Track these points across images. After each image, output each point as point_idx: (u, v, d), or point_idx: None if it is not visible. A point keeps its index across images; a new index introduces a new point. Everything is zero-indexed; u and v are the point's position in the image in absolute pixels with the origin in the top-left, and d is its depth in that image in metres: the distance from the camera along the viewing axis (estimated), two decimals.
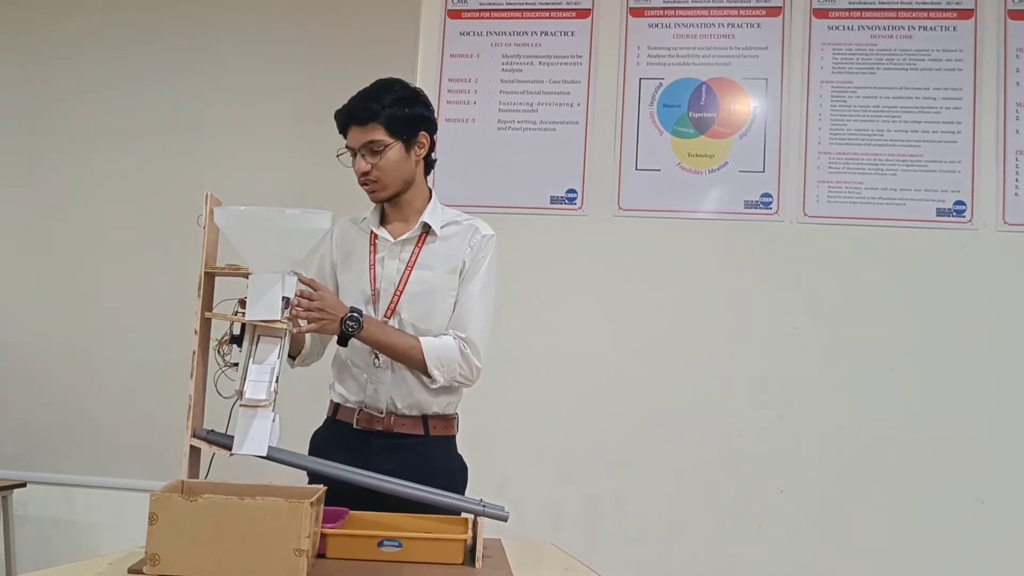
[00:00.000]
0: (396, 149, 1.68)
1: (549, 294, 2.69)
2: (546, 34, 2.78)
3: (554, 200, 2.72)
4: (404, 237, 1.73)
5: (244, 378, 1.41)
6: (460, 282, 1.72)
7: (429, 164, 1.79)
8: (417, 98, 1.73)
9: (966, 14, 2.63)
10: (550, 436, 2.65)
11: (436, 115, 1.80)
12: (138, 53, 3.26)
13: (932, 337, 2.56)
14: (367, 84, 1.72)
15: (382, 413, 1.69)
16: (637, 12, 2.76)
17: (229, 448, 1.42)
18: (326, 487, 1.42)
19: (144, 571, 1.23)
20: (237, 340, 1.44)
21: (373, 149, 1.67)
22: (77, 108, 3.29)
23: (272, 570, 1.22)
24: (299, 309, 1.53)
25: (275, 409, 1.42)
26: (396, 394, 1.69)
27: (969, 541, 2.49)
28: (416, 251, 1.73)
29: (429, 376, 1.66)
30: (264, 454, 1.41)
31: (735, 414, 2.60)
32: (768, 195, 2.65)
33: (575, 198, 2.71)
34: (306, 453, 1.69)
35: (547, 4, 2.78)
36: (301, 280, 1.56)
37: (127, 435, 3.09)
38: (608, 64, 2.74)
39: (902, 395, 2.55)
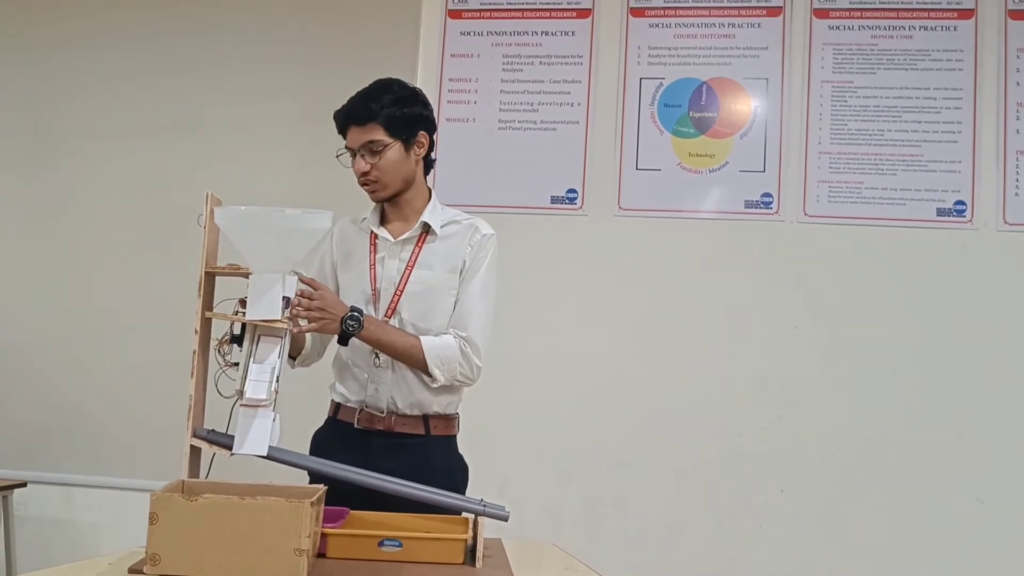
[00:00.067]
0: (395, 149, 1.68)
1: (549, 294, 2.69)
2: (547, 34, 2.78)
3: (554, 200, 2.72)
4: (404, 237, 1.73)
5: (244, 378, 1.41)
6: (460, 281, 1.72)
7: (428, 164, 1.79)
8: (416, 98, 1.73)
9: (967, 14, 2.63)
10: (550, 436, 2.65)
11: (436, 115, 1.80)
12: (138, 53, 3.26)
13: (932, 337, 2.56)
14: (367, 84, 1.72)
15: (383, 413, 1.69)
16: (637, 12, 2.76)
17: (229, 448, 1.42)
18: (327, 487, 1.42)
19: (145, 571, 1.23)
20: (238, 340, 1.44)
21: (372, 149, 1.67)
22: (77, 108, 3.29)
23: (273, 570, 1.22)
24: (299, 309, 1.53)
25: (275, 409, 1.42)
26: (397, 394, 1.69)
27: (969, 541, 2.49)
28: (416, 251, 1.73)
29: (430, 375, 1.66)
30: (264, 454, 1.41)
31: (735, 414, 2.60)
32: (769, 195, 2.65)
33: (575, 198, 2.71)
34: (307, 453, 1.69)
35: (547, 4, 2.79)
36: (301, 280, 1.56)
37: (127, 435, 3.09)
38: (609, 64, 2.75)
39: (902, 395, 2.55)
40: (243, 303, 1.43)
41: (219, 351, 1.47)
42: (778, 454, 2.58)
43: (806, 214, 2.64)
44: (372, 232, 1.76)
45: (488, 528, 1.45)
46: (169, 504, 1.24)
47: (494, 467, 2.45)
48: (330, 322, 1.58)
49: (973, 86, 2.61)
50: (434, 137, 1.77)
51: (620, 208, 2.70)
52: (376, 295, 1.72)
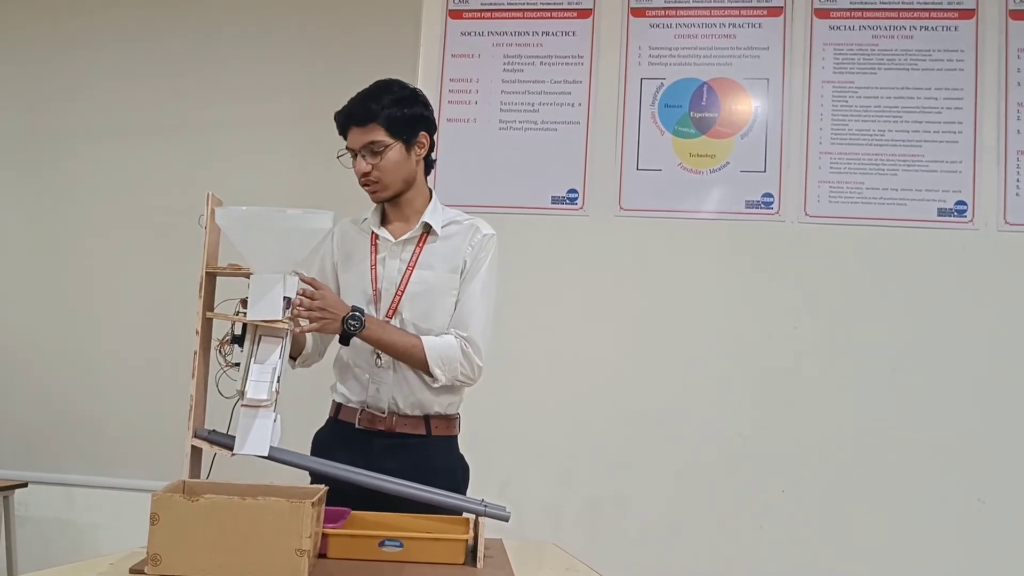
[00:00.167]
0: (396, 149, 1.68)
1: (550, 294, 2.69)
2: (547, 34, 2.78)
3: (555, 200, 2.72)
4: (405, 237, 1.73)
5: (245, 378, 1.41)
6: (461, 281, 1.72)
7: (429, 164, 1.79)
8: (416, 98, 1.73)
9: (967, 14, 2.63)
10: (551, 436, 2.65)
11: (437, 115, 1.81)
12: (138, 53, 3.26)
13: (932, 337, 2.56)
14: (368, 84, 1.72)
15: (384, 413, 1.69)
16: (638, 12, 2.76)
17: (230, 448, 1.42)
18: (328, 487, 1.42)
19: (146, 571, 1.23)
20: (238, 340, 1.44)
21: (373, 150, 1.67)
22: (77, 108, 3.29)
23: (274, 570, 1.22)
24: (301, 308, 1.53)
25: (276, 409, 1.42)
26: (398, 394, 1.69)
27: (969, 541, 2.49)
28: (417, 251, 1.73)
29: (431, 375, 1.66)
30: (265, 454, 1.41)
31: (735, 414, 2.60)
32: (769, 195, 2.65)
33: (576, 198, 2.71)
34: (308, 453, 1.69)
35: (548, 4, 2.78)
36: (303, 279, 1.56)
37: (128, 435, 3.09)
38: (609, 64, 2.74)
39: (902, 395, 2.55)
40: (244, 303, 1.43)
41: (220, 351, 1.47)
42: (778, 454, 2.58)
43: (807, 214, 2.64)
44: (373, 232, 1.76)
45: (489, 528, 1.45)
46: (170, 504, 1.24)
47: (495, 467, 2.45)
48: (331, 322, 1.58)
49: (974, 86, 2.61)
50: (435, 137, 1.78)
51: (621, 208, 2.70)
52: (377, 295, 1.72)
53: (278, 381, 1.41)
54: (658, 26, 2.74)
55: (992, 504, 2.49)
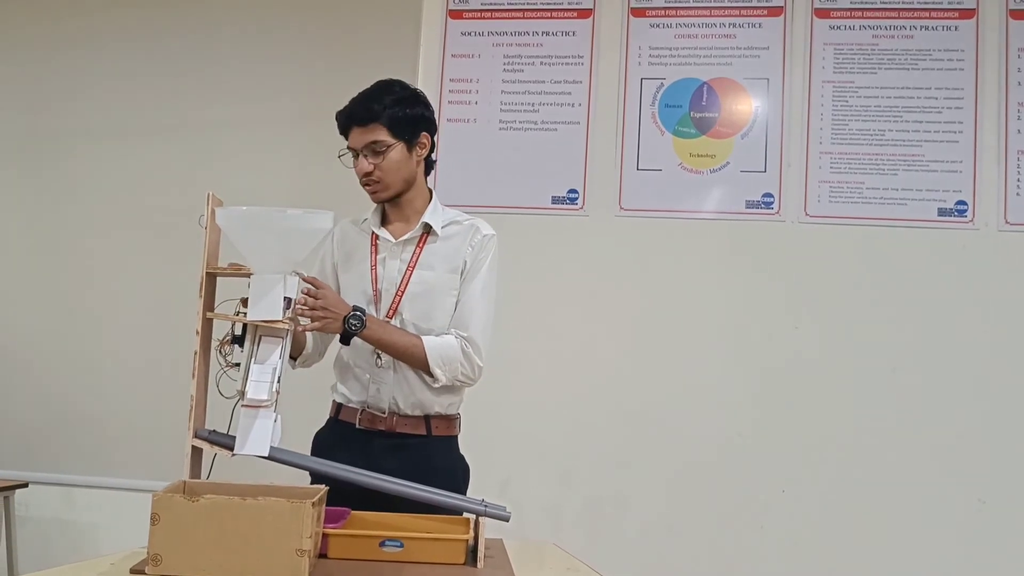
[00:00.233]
0: (398, 149, 1.68)
1: (550, 294, 2.69)
2: (547, 34, 2.78)
3: (555, 200, 2.72)
4: (405, 237, 1.73)
5: (246, 378, 1.41)
6: (461, 282, 1.72)
7: (429, 165, 1.79)
8: (417, 99, 1.73)
9: (968, 14, 2.63)
10: (551, 436, 2.65)
11: (437, 115, 1.81)
12: (138, 53, 3.26)
13: (932, 337, 2.56)
14: (368, 84, 1.72)
15: (384, 413, 1.69)
16: (638, 12, 2.75)
17: (231, 448, 1.42)
18: (328, 487, 1.42)
19: (146, 571, 1.23)
20: (239, 340, 1.44)
21: (375, 150, 1.67)
22: (77, 108, 3.29)
23: (274, 570, 1.22)
24: (304, 308, 1.53)
25: (277, 409, 1.42)
26: (399, 394, 1.69)
27: (969, 541, 2.49)
28: (417, 251, 1.73)
29: (431, 375, 1.67)
30: (266, 454, 1.41)
31: (736, 414, 2.60)
32: (770, 195, 2.65)
33: (576, 198, 2.71)
34: (308, 453, 1.69)
35: (548, 4, 2.78)
36: (304, 279, 1.56)
37: (128, 435, 3.09)
38: (609, 64, 2.74)
39: (902, 395, 2.55)
40: (244, 303, 1.43)
41: (220, 352, 1.47)
42: (778, 454, 2.58)
43: (807, 214, 2.64)
44: (373, 233, 1.76)
45: (489, 528, 1.45)
46: (171, 504, 1.24)
47: (495, 467, 2.45)
48: (333, 321, 1.58)
49: (974, 86, 2.61)
50: (435, 138, 1.78)
51: (621, 208, 2.70)
52: (377, 296, 1.72)
53: (278, 381, 1.41)
54: (658, 26, 2.74)
55: (992, 504, 2.50)
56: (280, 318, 1.40)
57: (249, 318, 1.40)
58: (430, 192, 1.79)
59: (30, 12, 3.34)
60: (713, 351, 2.63)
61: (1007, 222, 2.57)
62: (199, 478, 1.48)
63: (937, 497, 2.51)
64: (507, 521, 1.47)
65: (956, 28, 2.63)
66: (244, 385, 1.40)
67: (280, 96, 3.17)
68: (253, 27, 3.22)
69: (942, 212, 2.59)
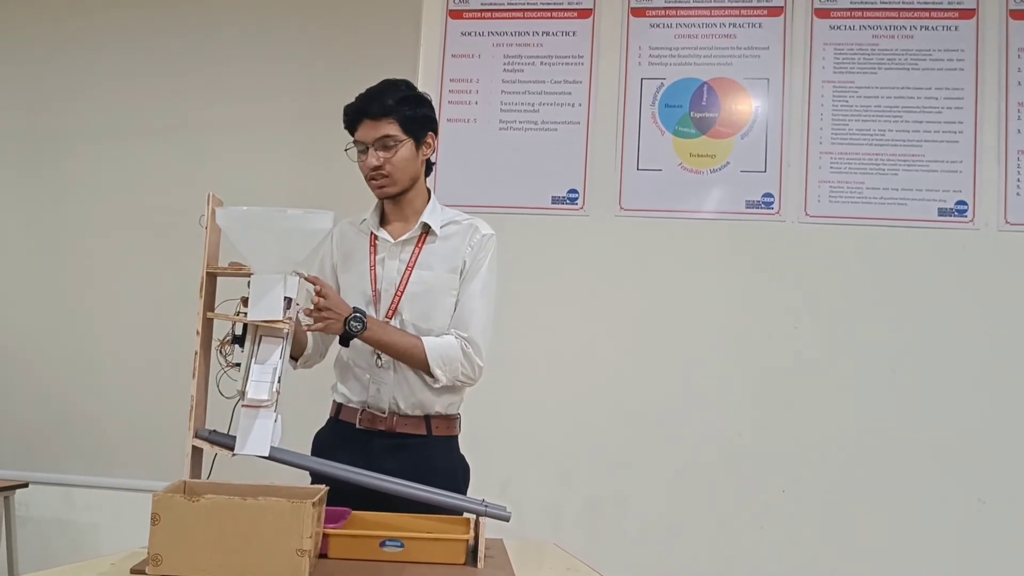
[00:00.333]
0: (408, 146, 1.69)
1: (550, 294, 2.69)
2: (547, 34, 2.78)
3: (555, 200, 2.72)
4: (404, 237, 1.74)
5: (246, 378, 1.41)
6: (461, 282, 1.72)
7: (429, 166, 1.80)
8: (424, 100, 1.75)
9: (968, 14, 2.63)
10: (551, 436, 2.65)
11: (437, 115, 1.82)
12: (138, 53, 3.26)
13: (932, 337, 2.56)
14: (368, 84, 1.72)
15: (385, 413, 1.69)
16: (638, 12, 2.75)
17: (231, 448, 1.42)
18: (328, 487, 1.42)
19: (146, 571, 1.23)
20: (239, 340, 1.44)
21: (386, 144, 1.67)
22: (77, 108, 3.29)
23: (274, 570, 1.22)
24: (315, 311, 1.54)
25: (277, 409, 1.42)
26: (399, 394, 1.69)
27: (969, 541, 2.49)
28: (416, 251, 1.73)
29: (431, 376, 1.67)
30: (266, 454, 1.41)
31: (735, 414, 2.60)
32: (770, 195, 2.65)
33: (576, 198, 2.71)
34: (308, 453, 1.69)
35: (548, 4, 2.78)
36: (306, 279, 1.56)
37: (128, 435, 3.09)
38: (609, 64, 2.74)
39: (902, 395, 2.55)
40: (245, 303, 1.43)
41: (221, 352, 1.47)
42: (778, 454, 2.58)
43: (807, 214, 2.64)
44: (372, 233, 1.77)
45: (489, 528, 1.45)
46: (171, 505, 1.24)
47: (495, 467, 2.45)
48: (335, 322, 1.58)
49: (974, 86, 2.61)
50: (436, 141, 1.78)
51: (621, 208, 2.70)
52: (376, 296, 1.72)
53: (279, 381, 1.41)
54: (658, 26, 2.74)
55: (992, 504, 2.50)
56: (280, 318, 1.40)
57: (249, 318, 1.40)
58: (429, 192, 1.79)
59: (30, 12, 3.34)
60: (713, 351, 2.63)
61: (1007, 222, 2.57)
62: (199, 478, 1.48)
63: (937, 497, 2.51)
64: (507, 521, 1.47)
65: (956, 28, 2.63)
66: (244, 385, 1.40)
67: (280, 96, 3.17)
68: (253, 27, 3.22)
69: (942, 212, 2.59)
